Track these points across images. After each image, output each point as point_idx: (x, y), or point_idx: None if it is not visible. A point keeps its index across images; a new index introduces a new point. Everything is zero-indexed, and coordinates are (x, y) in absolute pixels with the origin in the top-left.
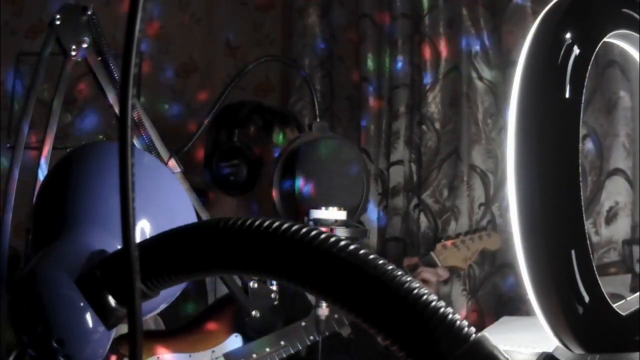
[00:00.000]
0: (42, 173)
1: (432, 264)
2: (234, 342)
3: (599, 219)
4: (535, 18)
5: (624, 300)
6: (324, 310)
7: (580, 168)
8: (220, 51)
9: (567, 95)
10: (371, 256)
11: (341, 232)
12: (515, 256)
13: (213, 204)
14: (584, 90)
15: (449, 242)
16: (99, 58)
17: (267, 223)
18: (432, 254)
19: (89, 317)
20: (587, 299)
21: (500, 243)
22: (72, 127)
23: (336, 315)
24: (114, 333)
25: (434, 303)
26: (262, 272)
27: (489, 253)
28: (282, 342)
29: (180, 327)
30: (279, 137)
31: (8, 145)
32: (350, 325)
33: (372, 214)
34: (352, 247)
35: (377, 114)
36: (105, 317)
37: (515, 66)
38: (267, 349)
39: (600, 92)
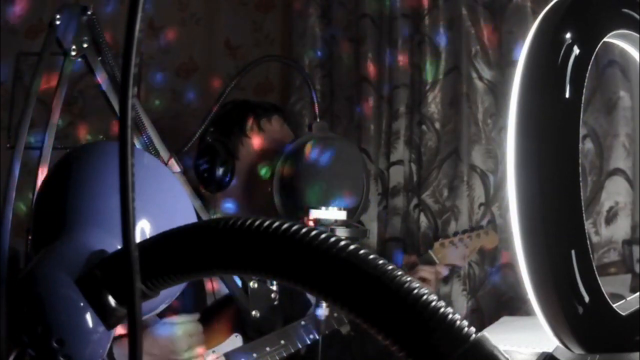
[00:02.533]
0: (42, 173)
1: (431, 263)
2: (234, 342)
3: (599, 219)
4: (535, 18)
5: (624, 300)
6: (324, 310)
7: (580, 168)
8: (220, 51)
9: (567, 95)
10: (371, 256)
11: (341, 232)
12: (515, 256)
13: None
14: (584, 90)
15: (446, 241)
16: (99, 58)
17: (267, 223)
18: (430, 252)
19: (89, 317)
20: (587, 299)
21: (498, 241)
22: (72, 127)
23: (335, 314)
24: (113, 333)
25: (434, 303)
26: (262, 272)
27: (489, 252)
28: (282, 342)
29: None
30: (253, 129)
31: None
32: (349, 323)
33: (372, 214)
34: (352, 247)
35: (377, 114)
36: (105, 317)
37: (515, 66)
38: (267, 348)
39: (600, 92)
